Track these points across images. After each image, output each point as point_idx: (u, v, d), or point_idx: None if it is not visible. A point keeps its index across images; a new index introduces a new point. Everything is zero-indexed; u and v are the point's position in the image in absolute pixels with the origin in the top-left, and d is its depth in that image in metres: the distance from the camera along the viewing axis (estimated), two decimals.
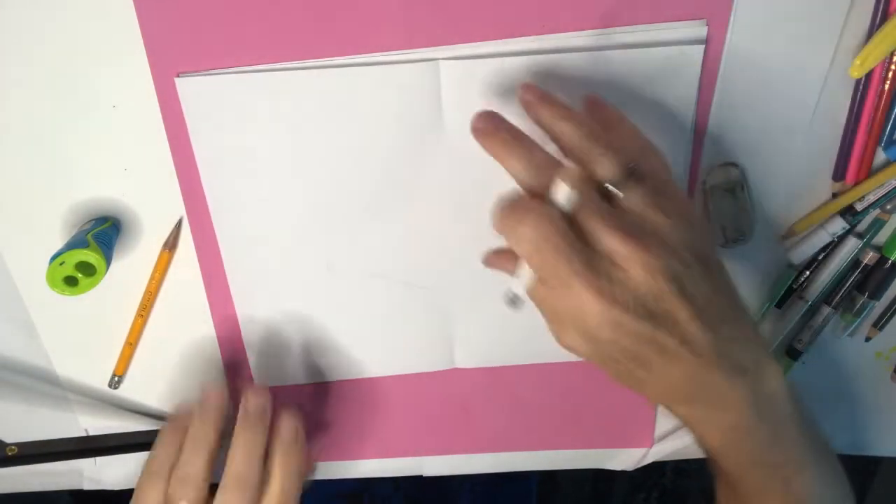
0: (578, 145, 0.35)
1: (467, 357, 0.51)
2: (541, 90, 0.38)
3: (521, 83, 0.38)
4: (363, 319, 0.49)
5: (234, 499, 0.41)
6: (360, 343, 0.50)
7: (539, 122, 0.37)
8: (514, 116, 0.42)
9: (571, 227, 0.33)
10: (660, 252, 0.33)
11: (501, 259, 0.42)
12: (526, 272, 0.36)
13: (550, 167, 0.34)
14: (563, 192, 0.33)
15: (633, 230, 0.33)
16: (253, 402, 0.43)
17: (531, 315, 0.49)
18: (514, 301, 0.38)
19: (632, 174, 0.34)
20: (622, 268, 0.33)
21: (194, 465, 0.41)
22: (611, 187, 0.34)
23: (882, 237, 0.49)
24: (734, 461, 0.39)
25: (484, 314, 0.50)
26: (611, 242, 0.33)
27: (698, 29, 0.41)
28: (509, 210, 0.34)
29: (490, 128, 0.37)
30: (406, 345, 0.51)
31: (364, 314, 0.49)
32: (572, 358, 0.52)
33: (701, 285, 0.34)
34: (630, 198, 0.34)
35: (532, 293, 0.37)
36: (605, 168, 0.34)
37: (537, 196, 0.34)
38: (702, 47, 0.41)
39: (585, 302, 0.33)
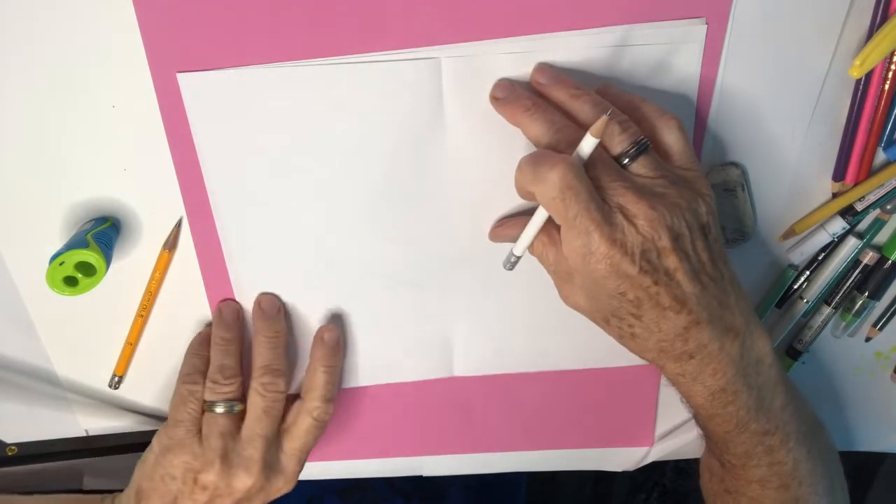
0: (593, 120, 0.37)
1: (466, 365, 0.51)
2: (554, 71, 0.40)
3: (536, 65, 0.40)
4: (363, 324, 0.49)
5: (269, 383, 0.45)
6: (360, 350, 0.50)
7: (555, 102, 0.40)
8: None
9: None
10: (664, 211, 0.36)
11: (507, 229, 0.44)
12: (531, 232, 0.39)
13: (571, 128, 0.38)
14: (589, 143, 0.36)
15: (642, 191, 0.36)
16: (266, 301, 0.47)
17: (531, 323, 0.50)
18: (513, 262, 0.42)
19: (643, 148, 0.37)
20: (631, 221, 0.36)
21: (224, 364, 0.45)
22: (624, 159, 0.37)
23: (882, 237, 0.49)
24: (720, 424, 0.41)
25: (484, 320, 0.50)
26: (622, 198, 0.36)
27: (697, 28, 0.41)
28: (541, 158, 0.36)
29: (510, 96, 0.40)
30: (405, 353, 0.51)
31: (364, 318, 0.49)
32: (571, 366, 0.52)
33: (699, 248, 0.37)
34: (640, 167, 0.37)
35: (542, 254, 0.40)
36: (617, 141, 0.37)
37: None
38: (701, 46, 0.41)
39: (599, 248, 0.36)
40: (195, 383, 0.45)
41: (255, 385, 0.45)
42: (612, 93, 0.40)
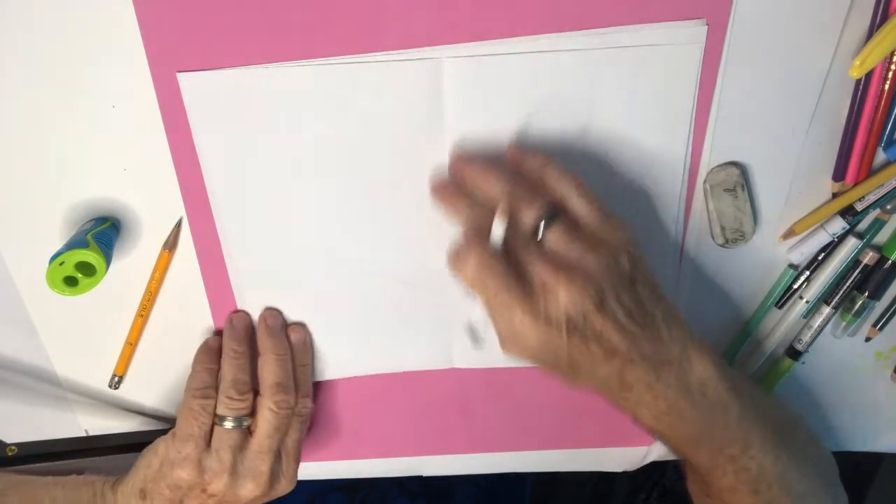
0: (503, 197, 0.39)
1: (466, 357, 0.51)
2: (466, 157, 0.43)
3: (452, 156, 0.43)
4: (363, 318, 0.49)
5: (281, 399, 0.45)
6: (360, 341, 0.50)
7: (465, 184, 0.42)
8: (516, 115, 0.42)
9: (509, 263, 0.39)
10: (579, 279, 0.37)
11: (454, 197, 0.44)
12: (479, 306, 0.41)
13: (479, 210, 0.41)
14: (498, 226, 0.39)
15: (558, 262, 0.38)
16: (272, 318, 0.48)
17: None
18: (474, 334, 0.46)
19: (553, 216, 0.39)
20: (552, 293, 0.38)
21: (238, 378, 0.46)
22: (538, 231, 0.39)
23: (882, 237, 0.49)
24: (673, 442, 0.43)
25: (483, 315, 0.50)
26: (540, 272, 0.38)
27: (698, 29, 0.41)
28: (455, 253, 0.40)
29: (439, 187, 0.43)
30: (406, 343, 0.51)
31: (364, 313, 0.49)
32: None
33: (624, 301, 0.39)
34: (552, 236, 0.39)
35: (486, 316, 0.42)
36: (528, 213, 0.39)
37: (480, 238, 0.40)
38: (701, 47, 0.41)
39: (523, 323, 0.38)
40: (207, 398, 0.45)
41: (269, 403, 0.45)
42: (518, 157, 0.42)
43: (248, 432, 0.46)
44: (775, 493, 0.43)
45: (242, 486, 0.45)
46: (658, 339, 0.40)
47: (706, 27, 0.41)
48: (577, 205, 0.40)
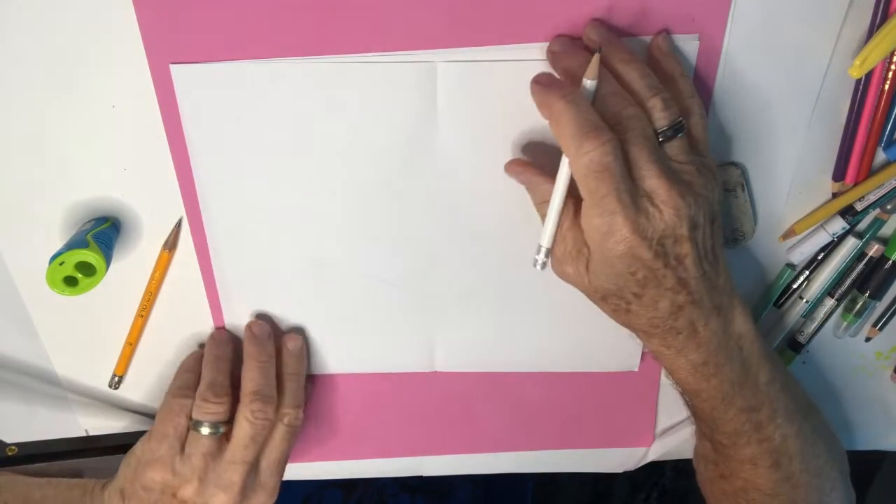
0: (640, 92, 0.38)
1: (448, 360, 0.51)
2: (607, 32, 0.39)
3: (590, 21, 0.40)
4: (349, 319, 0.49)
5: (258, 409, 0.44)
6: (342, 340, 0.50)
7: (605, 62, 0.39)
8: (507, 121, 0.42)
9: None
10: (691, 201, 0.37)
11: (526, 171, 0.42)
12: (553, 218, 0.40)
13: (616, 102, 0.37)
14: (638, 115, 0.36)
15: (674, 177, 0.37)
16: (257, 327, 0.48)
17: (512, 323, 0.50)
18: (543, 261, 0.42)
19: (679, 128, 0.38)
20: (658, 208, 0.36)
21: (216, 381, 0.45)
22: (660, 137, 0.38)
23: (882, 237, 0.48)
24: (706, 399, 0.42)
25: (467, 319, 0.50)
26: (654, 183, 0.36)
27: (690, 43, 0.41)
28: (586, 131, 0.36)
29: (551, 83, 0.39)
30: (388, 345, 0.51)
31: (350, 314, 0.49)
32: (552, 368, 0.52)
33: (707, 235, 0.38)
34: (674, 150, 0.38)
35: (564, 222, 0.40)
36: (658, 118, 0.38)
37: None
38: (693, 60, 0.41)
39: (620, 231, 0.36)
40: (186, 397, 0.45)
41: (245, 411, 0.44)
42: (656, 56, 0.40)
43: (225, 440, 0.45)
44: (795, 468, 0.43)
45: (212, 496, 0.44)
46: (717, 284, 0.40)
47: (698, 42, 0.41)
48: (696, 125, 0.39)
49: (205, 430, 0.44)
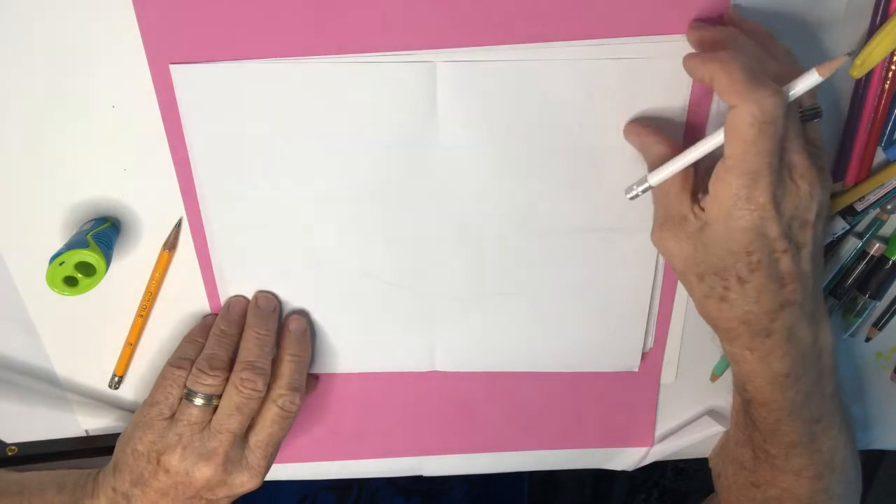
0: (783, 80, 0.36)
1: (448, 360, 0.52)
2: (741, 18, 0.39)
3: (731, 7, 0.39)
4: (349, 318, 0.49)
5: (248, 379, 0.44)
6: (342, 340, 0.50)
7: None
8: (507, 121, 0.42)
9: None
10: (823, 184, 0.36)
11: (645, 133, 0.41)
12: (688, 159, 0.37)
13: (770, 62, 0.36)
14: (810, 81, 0.34)
15: (812, 156, 0.35)
16: (264, 299, 0.47)
17: (512, 323, 0.50)
18: (641, 191, 0.40)
19: (818, 112, 0.37)
20: (795, 183, 0.35)
21: (216, 354, 0.45)
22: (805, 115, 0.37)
23: (882, 237, 0.48)
24: (774, 411, 0.40)
25: (467, 319, 0.50)
26: (797, 158, 0.35)
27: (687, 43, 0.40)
28: (761, 78, 0.33)
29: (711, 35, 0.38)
30: (388, 344, 0.51)
31: (350, 313, 0.49)
32: (552, 368, 0.52)
33: (819, 231, 0.37)
34: (811, 132, 0.37)
35: (666, 185, 0.38)
36: (809, 98, 0.37)
37: None
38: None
39: (757, 197, 0.34)
40: (181, 368, 0.45)
41: (234, 379, 0.44)
42: (769, 41, 0.38)
43: (215, 411, 0.44)
44: (835, 479, 0.42)
45: (195, 465, 0.43)
46: (816, 291, 0.38)
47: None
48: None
49: (198, 402, 0.44)
